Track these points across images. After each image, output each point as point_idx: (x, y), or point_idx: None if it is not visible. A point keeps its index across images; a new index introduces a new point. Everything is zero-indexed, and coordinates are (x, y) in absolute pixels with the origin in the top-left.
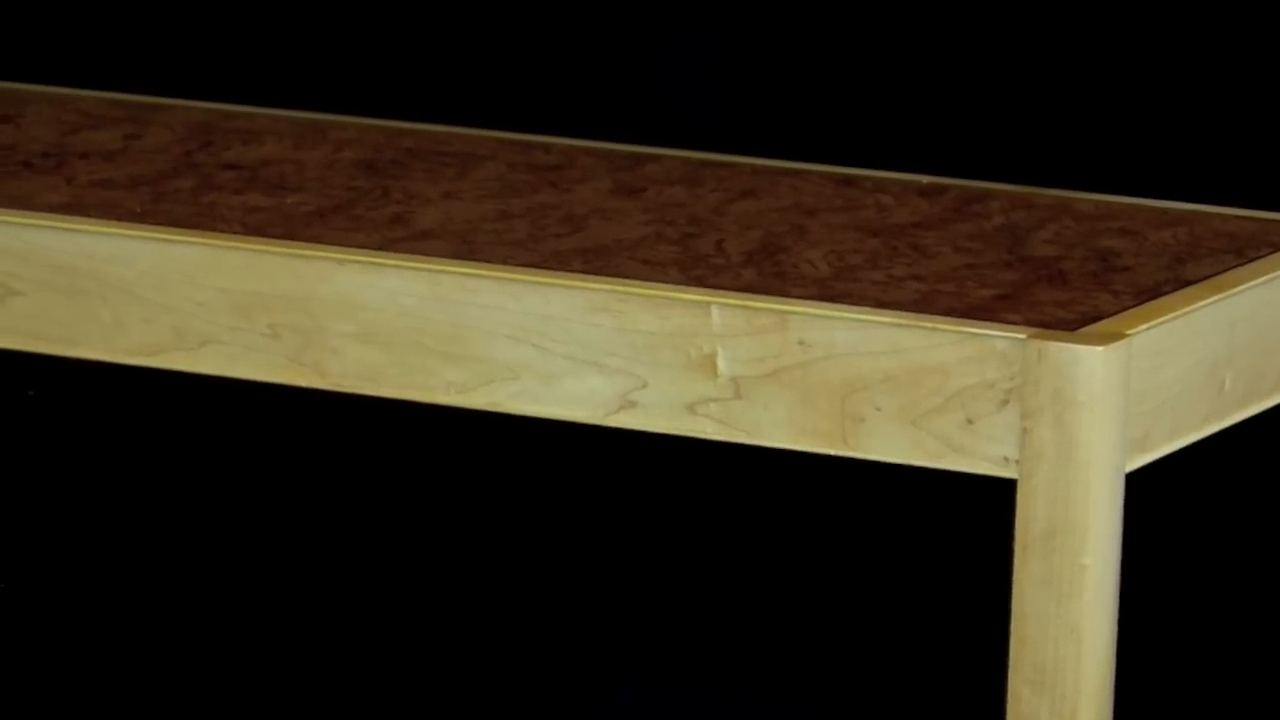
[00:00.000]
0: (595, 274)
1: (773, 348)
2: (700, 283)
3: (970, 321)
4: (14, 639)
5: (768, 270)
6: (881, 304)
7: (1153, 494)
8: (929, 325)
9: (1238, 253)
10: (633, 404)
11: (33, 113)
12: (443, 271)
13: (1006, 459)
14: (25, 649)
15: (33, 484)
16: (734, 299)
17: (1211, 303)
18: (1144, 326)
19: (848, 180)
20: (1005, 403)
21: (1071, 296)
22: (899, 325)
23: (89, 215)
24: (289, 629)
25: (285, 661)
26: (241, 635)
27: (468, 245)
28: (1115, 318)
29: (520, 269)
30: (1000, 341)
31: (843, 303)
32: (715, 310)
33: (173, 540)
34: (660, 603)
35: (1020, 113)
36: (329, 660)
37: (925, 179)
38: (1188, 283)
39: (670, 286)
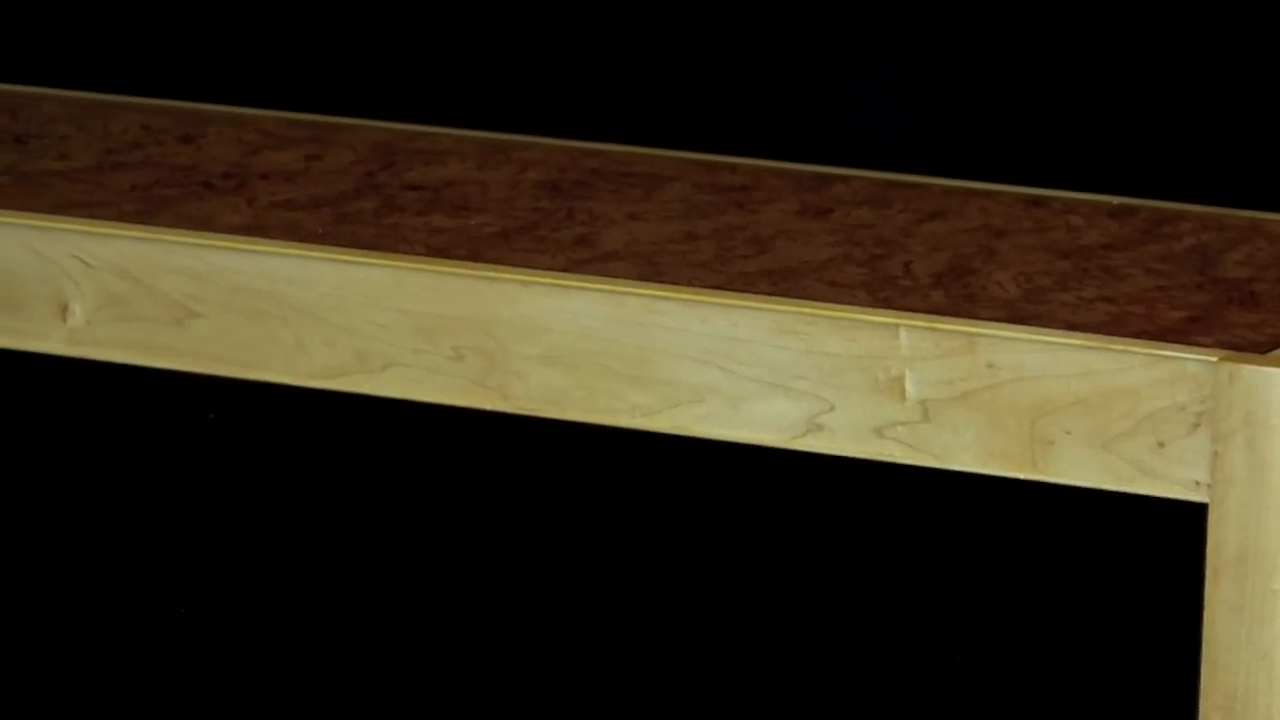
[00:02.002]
0: (782, 296)
1: (961, 370)
2: (888, 305)
3: (1161, 344)
4: (191, 664)
5: (956, 292)
6: (1071, 326)
7: None
8: (1119, 348)
9: None
10: (820, 427)
11: (213, 133)
12: (628, 293)
13: (1197, 483)
14: (202, 670)
15: (214, 508)
16: (922, 321)
17: None
18: None
19: (1037, 201)
20: (1196, 426)
21: (1263, 318)
22: (1089, 348)
23: (270, 236)
24: (470, 653)
25: (435, 676)
26: (417, 660)
27: (653, 266)
28: None
29: (706, 291)
30: (1191, 364)
31: (1032, 325)
32: (903, 332)
33: (352, 561)
34: (849, 629)
35: (1212, 133)
36: (490, 675)
37: (1115, 200)
38: None
39: (858, 308)
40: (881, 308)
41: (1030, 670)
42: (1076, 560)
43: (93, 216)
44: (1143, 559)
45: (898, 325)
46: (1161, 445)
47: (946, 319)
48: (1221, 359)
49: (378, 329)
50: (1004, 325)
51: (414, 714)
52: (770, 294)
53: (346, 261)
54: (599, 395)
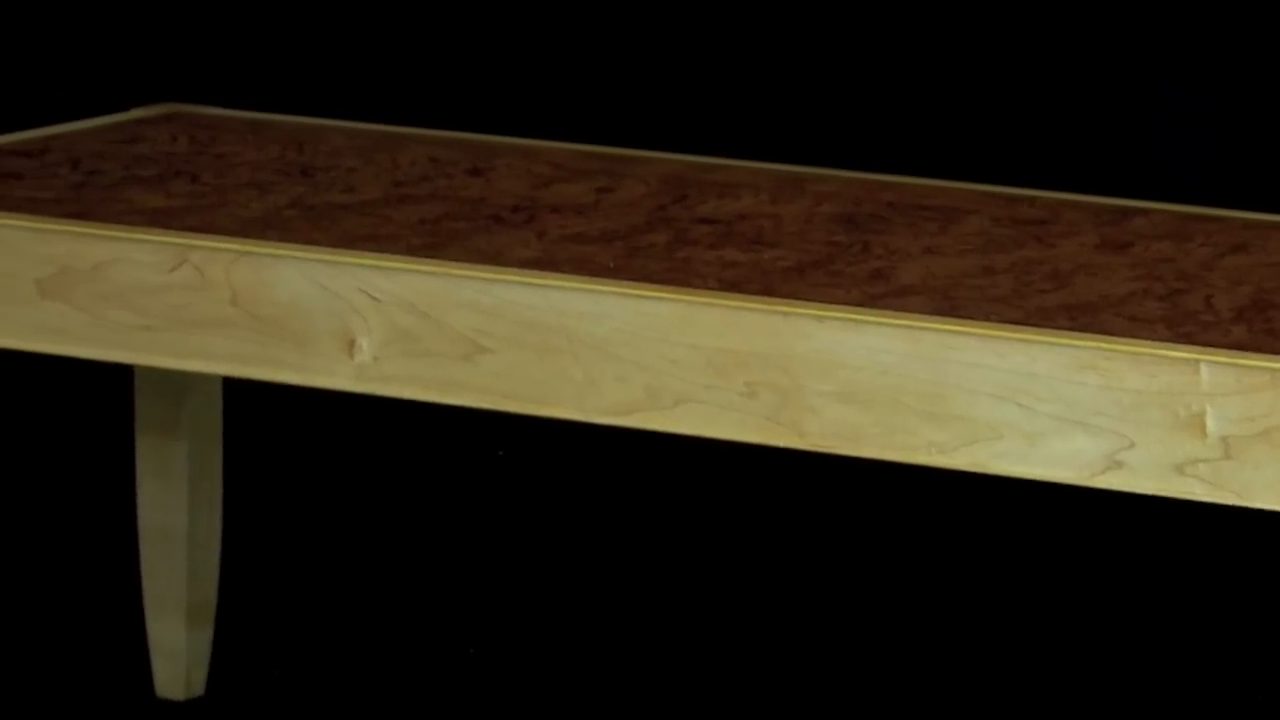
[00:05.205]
0: (1081, 331)
1: (1264, 406)
2: (1189, 340)
3: None
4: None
5: (1259, 327)
6: None
7: None
8: None
9: None
10: (1119, 465)
11: (503, 165)
12: (924, 328)
13: None
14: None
15: (507, 546)
16: (1224, 356)
17: None
18: None
19: None
20: None
21: None
22: None
23: (560, 271)
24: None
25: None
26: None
27: (950, 301)
28: None
29: (1004, 326)
30: None
31: None
32: (1204, 368)
33: (642, 598)
34: (1123, 664)
35: None
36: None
37: None
38: None
39: (1158, 344)
40: (1182, 343)
41: None
42: None
43: (380, 250)
44: None
45: (1199, 361)
46: None
47: (1249, 354)
48: None
49: (669, 365)
50: None
51: None
52: (1069, 329)
53: (638, 296)
54: (895, 432)
